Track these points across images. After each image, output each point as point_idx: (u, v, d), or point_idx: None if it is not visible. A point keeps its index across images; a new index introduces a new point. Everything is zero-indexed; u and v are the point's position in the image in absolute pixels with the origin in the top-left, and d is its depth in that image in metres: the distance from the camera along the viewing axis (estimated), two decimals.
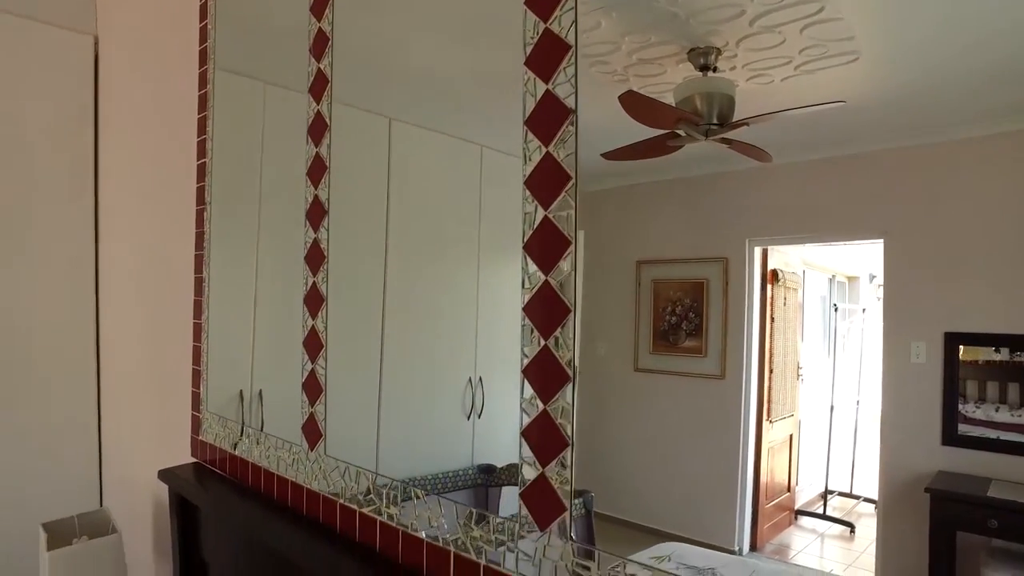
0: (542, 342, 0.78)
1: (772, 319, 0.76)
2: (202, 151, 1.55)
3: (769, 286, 0.75)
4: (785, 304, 0.77)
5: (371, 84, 1.16)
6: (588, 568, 0.74)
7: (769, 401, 0.74)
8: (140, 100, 1.94)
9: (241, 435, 1.36)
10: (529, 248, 0.80)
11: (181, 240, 1.65)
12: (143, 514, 1.91)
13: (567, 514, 0.77)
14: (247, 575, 1.31)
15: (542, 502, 0.79)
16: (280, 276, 1.32)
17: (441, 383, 1.04)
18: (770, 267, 0.75)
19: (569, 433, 0.77)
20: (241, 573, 1.33)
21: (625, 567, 0.71)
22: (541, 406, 0.79)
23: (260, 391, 1.37)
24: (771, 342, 0.75)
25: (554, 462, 0.78)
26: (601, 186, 0.93)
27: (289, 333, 1.23)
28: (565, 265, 0.76)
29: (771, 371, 0.75)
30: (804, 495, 0.77)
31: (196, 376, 1.55)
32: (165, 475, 1.46)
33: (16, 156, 2.08)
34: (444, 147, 1.06)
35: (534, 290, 0.79)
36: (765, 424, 0.75)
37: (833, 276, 0.81)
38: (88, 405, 2.23)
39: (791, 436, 0.79)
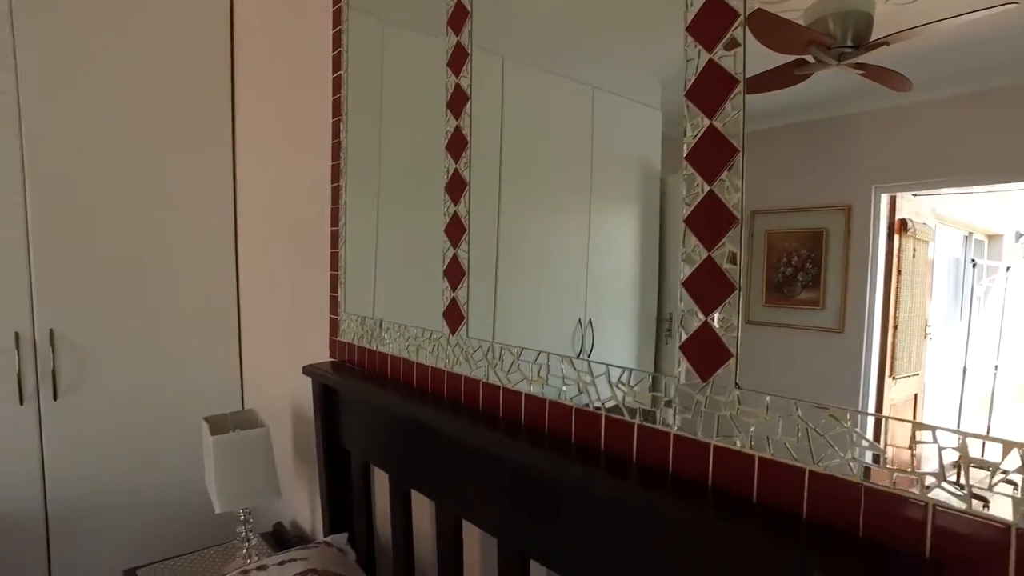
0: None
1: (899, 272, 0.70)
2: (337, 87, 1.61)
3: (896, 236, 0.70)
4: (914, 256, 0.71)
5: (485, 22, 1.16)
6: (755, 416, 0.74)
7: (892, 358, 0.70)
8: (276, 34, 2.03)
9: (380, 329, 1.43)
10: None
11: (317, 155, 1.73)
12: (282, 418, 2.07)
13: (733, 360, 0.76)
14: (385, 458, 1.39)
15: (705, 352, 0.79)
16: (405, 196, 1.36)
17: (553, 323, 1.04)
18: (898, 217, 0.70)
19: (736, 277, 0.76)
20: (379, 457, 1.41)
21: (798, 407, 0.70)
22: (705, 253, 0.78)
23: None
24: (896, 296, 0.70)
25: (718, 310, 0.77)
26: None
27: (413, 251, 1.28)
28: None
29: (895, 327, 0.70)
30: None
31: (334, 280, 1.64)
32: (309, 369, 1.56)
33: (157, 93, 2.25)
34: (555, 87, 1.06)
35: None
36: (887, 381, 0.70)
37: (969, 233, 0.73)
38: (230, 320, 2.44)
39: (915, 395, 0.74)
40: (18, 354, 2.08)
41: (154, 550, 2.28)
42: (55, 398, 2.15)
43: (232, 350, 2.45)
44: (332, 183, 1.64)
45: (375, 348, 1.45)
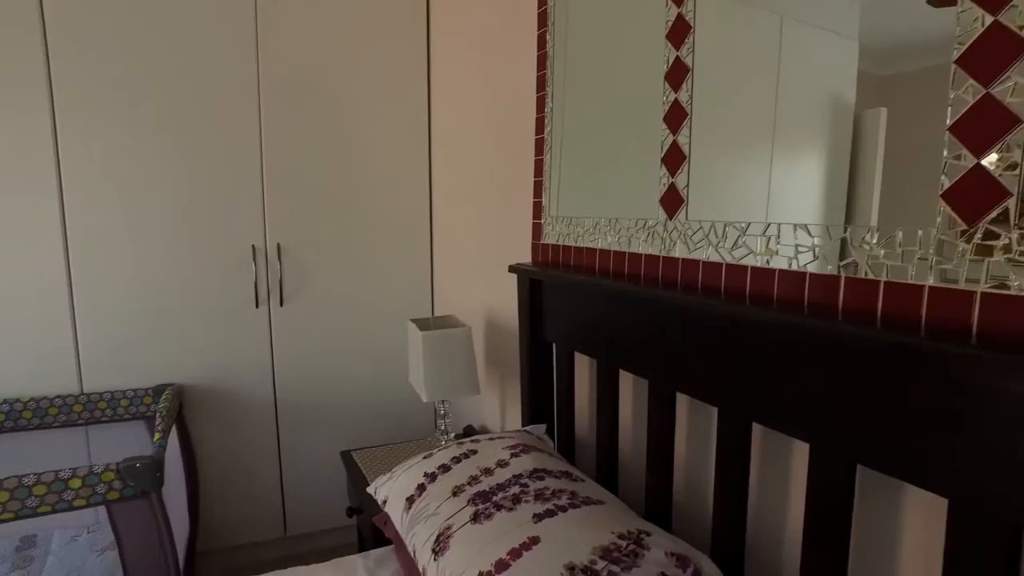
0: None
1: None
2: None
3: None
4: None
5: None
6: None
7: None
8: None
9: (587, 226, 1.50)
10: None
11: (521, 67, 1.82)
12: (475, 326, 2.22)
13: (1013, 199, 0.73)
14: (592, 344, 1.46)
15: (971, 196, 0.76)
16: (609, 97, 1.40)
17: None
18: None
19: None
20: (584, 344, 1.48)
21: None
22: (983, 89, 0.75)
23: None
24: None
25: (994, 147, 0.74)
26: (898, 69, 0.86)
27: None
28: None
29: None
30: None
31: (538, 187, 1.72)
32: (515, 267, 1.67)
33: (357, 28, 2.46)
34: (739, 15, 1.04)
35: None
36: None
37: None
38: (423, 239, 2.66)
39: None
40: (255, 264, 2.40)
41: (363, 439, 2.58)
42: (281, 304, 2.45)
43: (424, 266, 2.68)
44: (538, 92, 1.71)
45: (582, 245, 1.52)
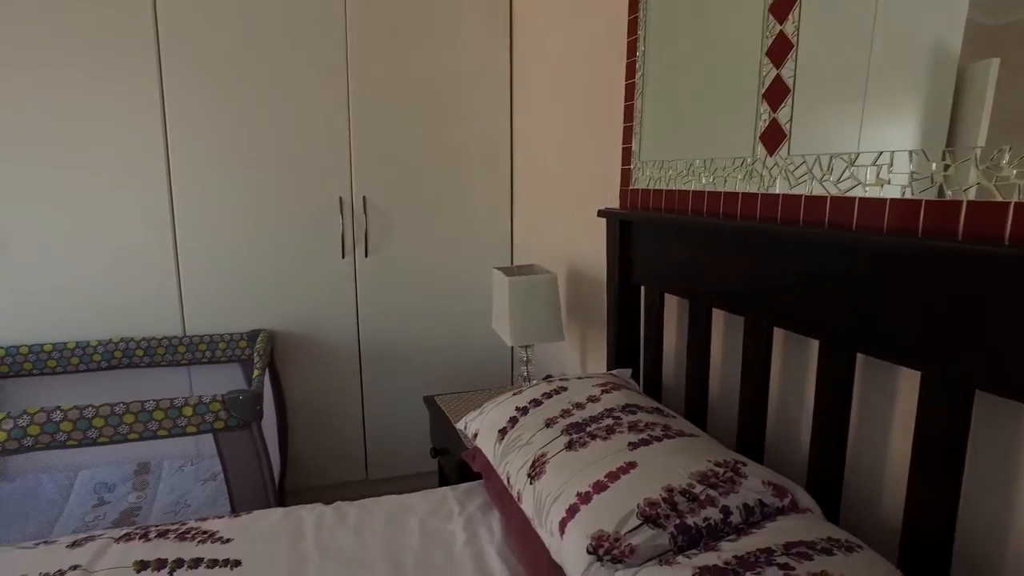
0: None
1: None
2: None
3: None
4: None
5: None
6: None
7: None
8: None
9: (678, 169, 1.49)
10: None
11: (611, 13, 1.80)
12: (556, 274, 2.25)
13: None
14: (683, 285, 1.46)
15: None
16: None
17: None
18: None
19: None
20: (675, 285, 1.49)
21: None
22: None
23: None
24: None
25: None
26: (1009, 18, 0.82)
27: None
28: None
29: None
30: None
31: (627, 132, 1.71)
32: (605, 212, 1.68)
33: None
34: None
35: None
36: None
37: None
38: (504, 190, 2.69)
39: None
40: (341, 216, 2.48)
41: (441, 386, 2.67)
42: (366, 255, 2.54)
43: (504, 217, 2.71)
44: (628, 37, 1.70)
45: (674, 188, 1.51)
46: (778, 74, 1.21)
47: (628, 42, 1.71)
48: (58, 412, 1.72)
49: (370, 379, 2.62)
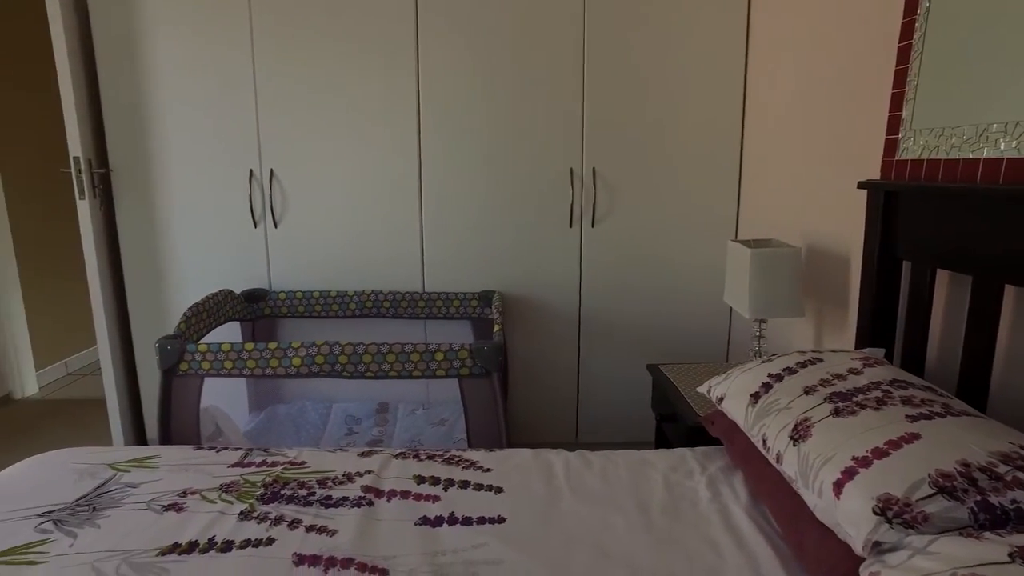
0: None
1: None
2: None
3: None
4: None
5: None
6: None
7: None
8: None
9: (976, 135, 1.37)
10: None
11: None
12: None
13: None
14: (962, 264, 1.35)
15: None
16: None
17: None
18: None
19: None
20: (954, 260, 1.38)
21: None
22: None
23: None
24: None
25: None
26: None
27: None
28: None
29: None
30: None
31: (897, 99, 1.61)
32: (867, 183, 1.60)
33: None
34: None
35: None
36: None
37: None
38: (731, 164, 2.63)
39: None
40: (571, 187, 2.59)
41: (659, 356, 2.71)
42: (592, 225, 2.63)
43: (730, 191, 2.65)
44: None
45: (957, 156, 1.40)
46: None
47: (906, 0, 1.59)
48: (337, 346, 2.01)
49: (587, 345, 2.73)
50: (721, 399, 1.52)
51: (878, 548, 0.94)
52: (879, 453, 1.04)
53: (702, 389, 1.64)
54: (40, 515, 1.33)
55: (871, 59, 1.75)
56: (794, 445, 1.19)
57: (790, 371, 1.40)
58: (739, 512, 1.32)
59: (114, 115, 2.60)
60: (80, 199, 2.57)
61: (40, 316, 3.72)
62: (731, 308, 2.70)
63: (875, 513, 0.95)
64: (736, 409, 1.44)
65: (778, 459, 1.23)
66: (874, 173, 1.72)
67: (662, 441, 2.22)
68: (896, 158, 1.61)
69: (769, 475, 1.28)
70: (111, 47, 2.55)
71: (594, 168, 2.58)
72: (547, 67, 2.52)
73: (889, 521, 0.93)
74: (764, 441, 1.29)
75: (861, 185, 1.62)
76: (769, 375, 1.42)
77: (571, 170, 2.58)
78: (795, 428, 1.21)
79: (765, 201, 2.43)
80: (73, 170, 2.55)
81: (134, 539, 1.24)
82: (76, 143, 2.51)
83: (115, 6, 2.51)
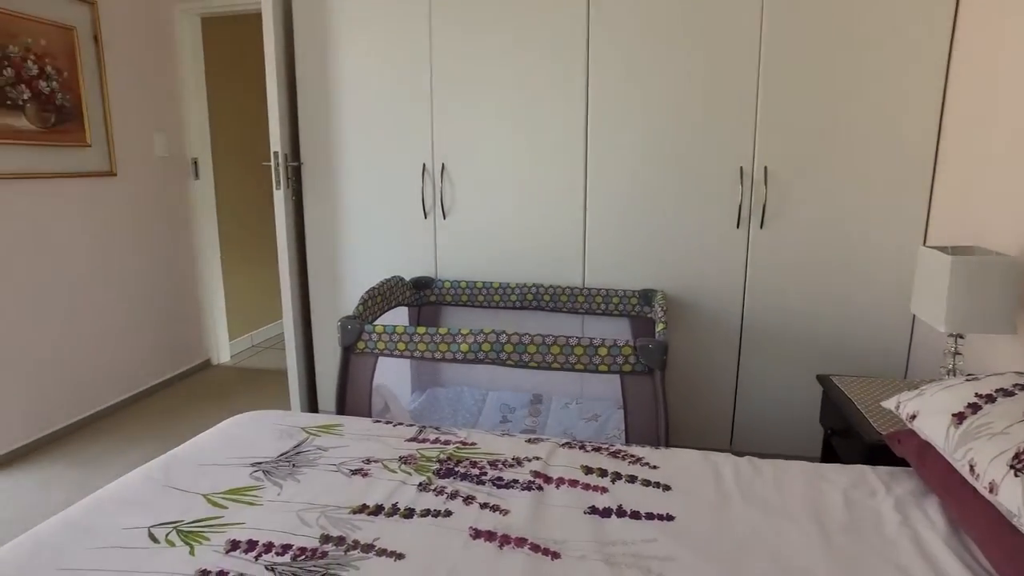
0: None
1: None
2: None
3: None
4: None
5: None
6: None
7: None
8: None
9: None
10: None
11: None
12: None
13: None
14: None
15: None
16: None
17: None
18: None
19: None
20: None
21: None
22: None
23: None
24: None
25: None
26: None
27: None
28: None
29: None
30: None
31: None
32: None
33: None
34: None
35: None
36: None
37: None
38: (921, 166, 2.40)
39: None
40: (741, 185, 2.49)
41: (827, 367, 2.55)
42: (761, 226, 2.51)
43: (918, 196, 2.40)
44: None
45: None
46: None
47: None
48: (504, 335, 2.07)
49: (748, 350, 2.62)
50: (913, 416, 1.40)
51: None
52: None
53: (888, 404, 1.52)
54: (252, 464, 1.50)
55: None
56: (1015, 476, 1.07)
57: (1006, 392, 1.27)
58: (934, 540, 1.22)
59: (307, 114, 2.88)
60: (276, 189, 2.85)
61: (233, 296, 4.18)
62: (912, 321, 2.47)
63: None
64: (933, 429, 1.32)
65: (991, 488, 1.11)
66: None
67: (829, 456, 2.08)
68: None
69: (977, 506, 1.16)
70: (307, 56, 2.84)
71: (766, 167, 2.46)
72: (718, 61, 2.44)
73: None
74: (972, 467, 1.18)
75: None
76: (977, 395, 1.29)
77: (740, 168, 2.48)
78: (1016, 457, 1.09)
79: (967, 203, 2.19)
80: (272, 163, 2.83)
81: (329, 496, 1.36)
82: (277, 139, 2.79)
83: (314, 20, 2.77)
